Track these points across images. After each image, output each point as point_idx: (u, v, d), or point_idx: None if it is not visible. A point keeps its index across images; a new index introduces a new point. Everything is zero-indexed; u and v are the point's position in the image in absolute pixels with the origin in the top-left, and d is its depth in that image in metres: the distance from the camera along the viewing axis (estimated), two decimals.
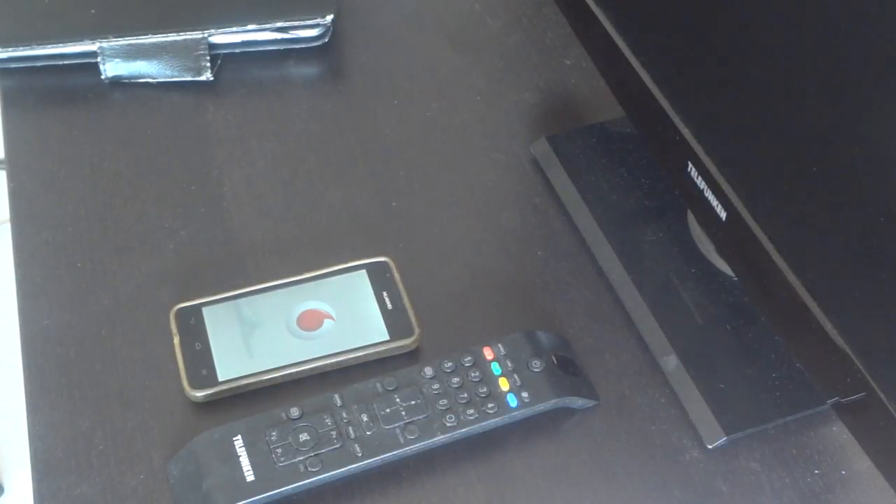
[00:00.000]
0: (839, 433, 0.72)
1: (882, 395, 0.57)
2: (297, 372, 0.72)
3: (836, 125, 0.58)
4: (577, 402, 0.71)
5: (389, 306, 0.75)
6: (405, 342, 0.74)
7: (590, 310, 0.77)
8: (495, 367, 0.70)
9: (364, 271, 0.77)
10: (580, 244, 0.81)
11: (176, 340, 0.73)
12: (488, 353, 0.71)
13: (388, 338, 0.74)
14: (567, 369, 0.72)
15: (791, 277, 0.62)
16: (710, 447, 0.71)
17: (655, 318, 0.75)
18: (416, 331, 0.74)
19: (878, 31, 0.54)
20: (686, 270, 0.78)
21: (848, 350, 0.59)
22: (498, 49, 0.95)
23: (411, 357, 0.74)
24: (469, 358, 0.71)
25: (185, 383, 0.71)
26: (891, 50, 0.53)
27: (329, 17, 0.91)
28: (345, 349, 0.73)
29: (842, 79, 0.57)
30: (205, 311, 0.74)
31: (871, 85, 0.56)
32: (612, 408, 0.73)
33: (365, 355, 0.73)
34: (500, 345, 0.71)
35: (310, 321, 0.74)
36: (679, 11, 0.71)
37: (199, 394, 0.71)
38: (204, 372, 0.71)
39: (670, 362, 0.73)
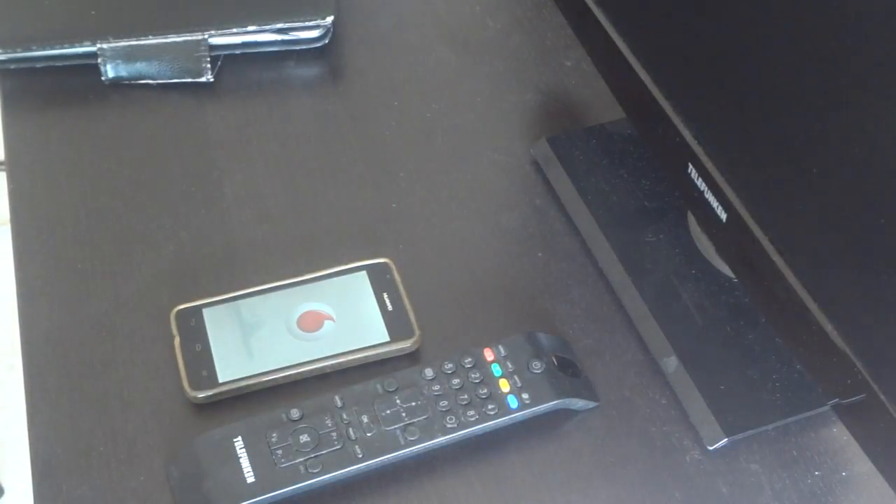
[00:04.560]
0: (840, 434, 0.72)
1: (882, 397, 0.57)
2: (298, 373, 0.72)
3: (837, 126, 0.58)
4: (578, 403, 0.71)
5: (390, 307, 0.75)
6: (405, 343, 0.74)
7: (590, 311, 0.77)
8: (496, 369, 0.70)
9: (364, 272, 0.77)
10: (580, 245, 0.81)
11: (176, 341, 0.73)
12: (489, 355, 0.71)
13: (388, 339, 0.74)
14: (567, 371, 0.72)
15: (791, 278, 0.62)
16: (710, 448, 0.71)
17: (656, 319, 0.75)
18: (417, 332, 0.74)
19: (879, 31, 0.54)
20: (686, 271, 0.78)
21: (848, 351, 0.59)
22: (498, 50, 0.95)
23: (412, 358, 0.74)
24: (469, 359, 0.70)
25: (185, 384, 0.71)
26: (891, 50, 0.53)
27: (329, 19, 0.91)
28: (345, 350, 0.73)
29: (842, 79, 0.57)
30: (205, 312, 0.74)
31: (871, 85, 0.56)
32: (612, 409, 0.72)
33: (365, 357, 0.73)
34: (500, 346, 0.71)
35: (310, 322, 0.74)
36: (679, 12, 0.71)
37: (200, 395, 0.70)
38: (204, 373, 0.71)
39: (671, 363, 0.73)
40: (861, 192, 0.57)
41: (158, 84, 0.89)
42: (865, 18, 0.55)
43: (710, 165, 0.68)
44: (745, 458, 0.70)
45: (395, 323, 0.74)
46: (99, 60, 0.88)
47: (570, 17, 0.86)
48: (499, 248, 0.81)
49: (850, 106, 0.57)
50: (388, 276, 0.76)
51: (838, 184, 0.59)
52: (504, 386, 0.70)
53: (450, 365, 0.70)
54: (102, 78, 0.88)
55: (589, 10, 0.78)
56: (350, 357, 0.73)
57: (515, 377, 0.70)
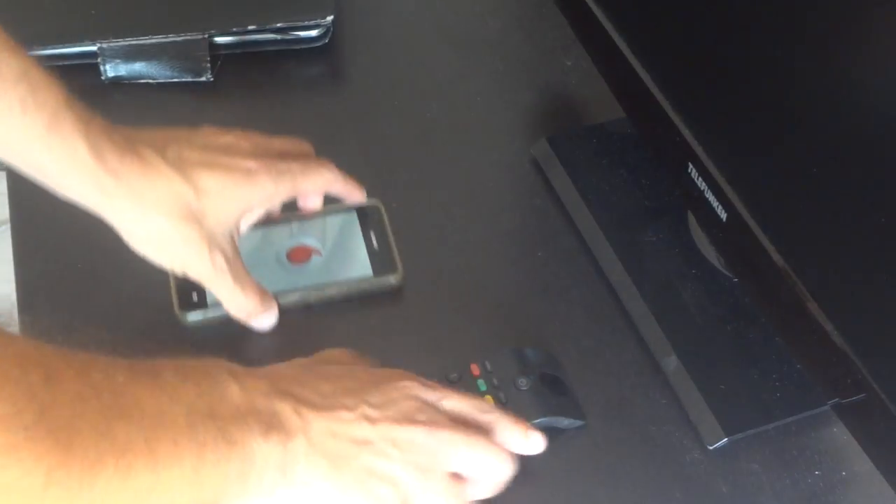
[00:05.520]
0: (840, 434, 0.71)
1: (882, 396, 0.57)
2: (283, 304, 0.74)
3: (837, 126, 0.58)
4: (563, 422, 0.70)
5: (375, 246, 0.77)
6: (389, 279, 0.76)
7: (590, 310, 0.77)
8: (481, 384, 0.69)
9: (354, 212, 0.79)
10: (580, 245, 0.81)
11: None
12: (475, 370, 0.70)
13: (371, 274, 0.76)
14: (554, 388, 0.71)
15: (791, 278, 0.62)
16: (710, 448, 0.70)
17: (656, 318, 0.75)
18: (400, 268, 0.76)
19: (878, 30, 0.54)
20: (686, 271, 0.78)
21: (848, 350, 0.59)
22: (498, 50, 0.95)
23: (394, 297, 0.75)
24: (455, 374, 0.69)
25: (175, 307, 0.73)
26: (891, 50, 0.53)
27: (329, 18, 0.91)
28: (329, 282, 0.75)
29: (842, 79, 0.57)
30: None
31: (871, 85, 0.56)
32: (612, 409, 0.72)
33: (348, 290, 0.75)
34: (486, 361, 0.70)
35: (299, 255, 0.77)
36: (679, 12, 0.71)
37: (189, 317, 0.73)
38: (194, 296, 0.73)
39: (671, 363, 0.73)
40: (861, 191, 0.57)
41: (158, 83, 0.89)
42: (865, 18, 0.55)
43: (710, 165, 0.68)
44: (745, 458, 0.70)
45: (380, 260, 0.77)
46: (99, 60, 0.88)
47: (570, 17, 0.86)
48: (498, 248, 0.81)
49: (850, 106, 0.57)
50: (376, 217, 0.79)
51: (838, 183, 0.59)
52: (489, 402, 0.68)
53: (434, 380, 0.69)
54: (102, 77, 0.88)
55: (589, 10, 0.78)
56: (333, 289, 0.75)
57: (501, 393, 0.69)
